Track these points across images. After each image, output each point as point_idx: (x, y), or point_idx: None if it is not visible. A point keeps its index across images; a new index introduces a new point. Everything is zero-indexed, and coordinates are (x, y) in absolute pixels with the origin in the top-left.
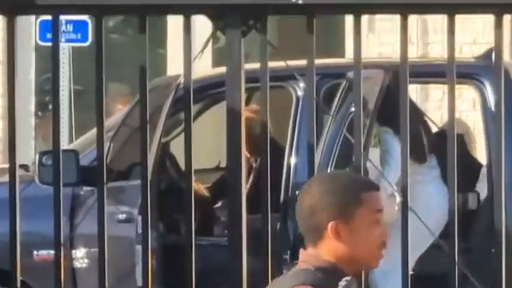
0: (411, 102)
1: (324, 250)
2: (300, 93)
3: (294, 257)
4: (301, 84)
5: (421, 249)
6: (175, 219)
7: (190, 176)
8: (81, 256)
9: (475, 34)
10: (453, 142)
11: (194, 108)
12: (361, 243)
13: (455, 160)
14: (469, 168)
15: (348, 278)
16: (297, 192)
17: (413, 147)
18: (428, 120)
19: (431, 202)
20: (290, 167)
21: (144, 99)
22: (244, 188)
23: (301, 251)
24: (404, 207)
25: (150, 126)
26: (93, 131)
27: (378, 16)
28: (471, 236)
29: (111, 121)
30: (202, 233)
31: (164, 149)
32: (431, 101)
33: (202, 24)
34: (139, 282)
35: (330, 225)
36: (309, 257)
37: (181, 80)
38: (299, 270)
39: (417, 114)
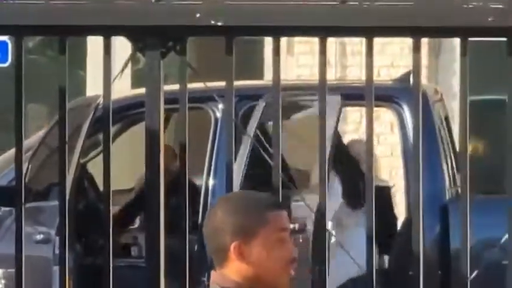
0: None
1: (230, 271)
2: (218, 114)
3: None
4: (220, 106)
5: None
6: (93, 240)
7: (108, 197)
8: None
9: (392, 57)
10: (371, 165)
11: (113, 129)
12: (266, 263)
13: (372, 184)
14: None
15: None
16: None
17: (351, 194)
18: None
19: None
20: (208, 188)
21: (63, 120)
22: (162, 209)
23: (212, 272)
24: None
25: (69, 146)
26: (11, 152)
27: (296, 39)
28: (391, 259)
29: (30, 141)
30: (120, 254)
31: (82, 170)
32: (350, 124)
33: (121, 46)
34: None
35: (233, 245)
36: (217, 277)
37: (101, 100)
38: None
39: (354, 160)
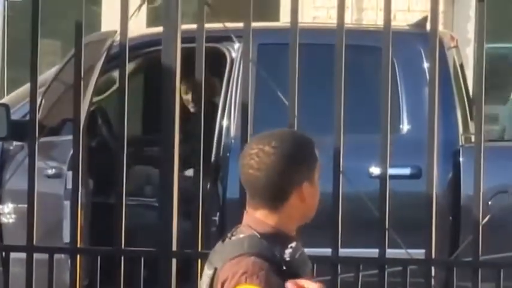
0: None
1: (285, 215)
2: (234, 54)
3: (223, 219)
4: (236, 46)
5: None
6: (106, 177)
7: (123, 136)
8: (8, 211)
9: (409, 2)
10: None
11: (129, 67)
12: (315, 200)
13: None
14: None
15: (293, 244)
16: (227, 153)
17: None
18: None
19: None
20: (222, 127)
21: (79, 55)
22: (177, 147)
23: (245, 214)
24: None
25: (83, 83)
26: (25, 87)
27: None
28: None
29: (43, 77)
30: (132, 193)
31: (96, 107)
32: None
33: None
34: (67, 239)
35: (297, 189)
36: (254, 221)
37: (117, 37)
38: (244, 237)
39: None
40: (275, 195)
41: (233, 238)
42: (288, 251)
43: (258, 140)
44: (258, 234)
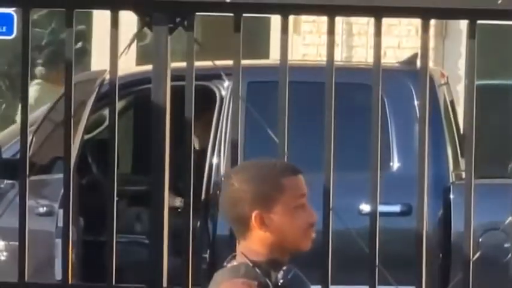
0: None
1: (254, 241)
2: (224, 92)
3: (213, 256)
4: (226, 84)
5: None
6: (96, 215)
7: (113, 173)
8: (0, 249)
9: (399, 38)
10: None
11: (118, 105)
12: (288, 230)
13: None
14: None
15: (284, 267)
16: (218, 191)
17: None
18: None
19: None
20: (212, 165)
21: (69, 93)
22: (167, 186)
23: (237, 245)
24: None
25: (73, 121)
26: (15, 125)
27: (303, 17)
28: None
29: (34, 115)
30: (123, 230)
31: (86, 146)
32: None
33: (127, 21)
34: (59, 276)
35: (254, 215)
36: (244, 249)
37: (106, 75)
38: (240, 264)
39: None
40: (236, 221)
41: (228, 265)
42: (280, 274)
43: (230, 172)
44: (250, 263)
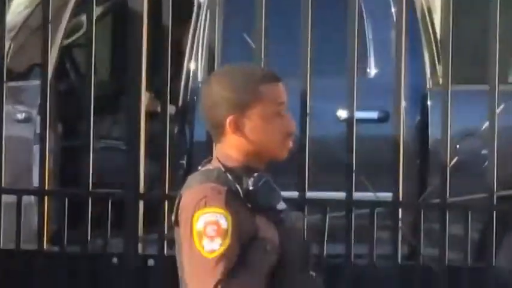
0: None
1: (228, 146)
2: None
3: (190, 162)
4: None
5: None
6: (74, 121)
7: (90, 80)
8: None
9: None
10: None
11: (97, 10)
12: (263, 136)
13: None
14: None
15: (256, 174)
16: (195, 97)
17: None
18: None
19: None
20: (189, 71)
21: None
22: (144, 90)
23: (214, 147)
24: None
25: (52, 27)
26: None
27: None
28: None
29: (12, 21)
30: (100, 136)
31: (65, 52)
32: None
33: None
34: (36, 182)
35: (229, 119)
36: (219, 154)
37: None
38: (213, 169)
39: None
40: (212, 125)
41: (202, 169)
42: (250, 181)
43: (210, 76)
44: (223, 168)
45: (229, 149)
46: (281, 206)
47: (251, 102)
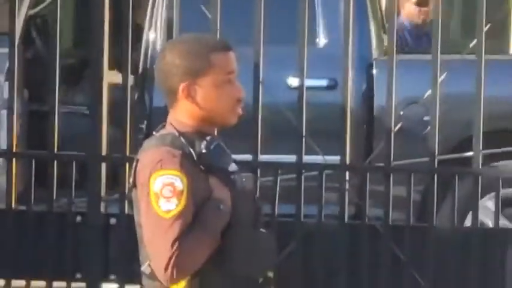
0: None
1: (181, 112)
2: None
3: (149, 126)
4: None
5: None
6: (40, 88)
7: (55, 46)
8: None
9: None
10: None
11: None
12: (213, 103)
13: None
14: None
15: (208, 138)
16: (154, 65)
17: None
18: None
19: None
20: (148, 41)
21: None
22: (106, 54)
23: (169, 113)
24: None
25: None
26: None
27: None
28: None
29: None
30: (65, 101)
31: (31, 20)
32: None
33: None
34: (4, 146)
35: (181, 87)
36: (172, 119)
37: None
38: (167, 133)
39: None
40: (166, 92)
41: (157, 134)
42: (203, 144)
43: (164, 45)
44: (177, 133)
45: (182, 115)
46: (232, 167)
47: (202, 70)
